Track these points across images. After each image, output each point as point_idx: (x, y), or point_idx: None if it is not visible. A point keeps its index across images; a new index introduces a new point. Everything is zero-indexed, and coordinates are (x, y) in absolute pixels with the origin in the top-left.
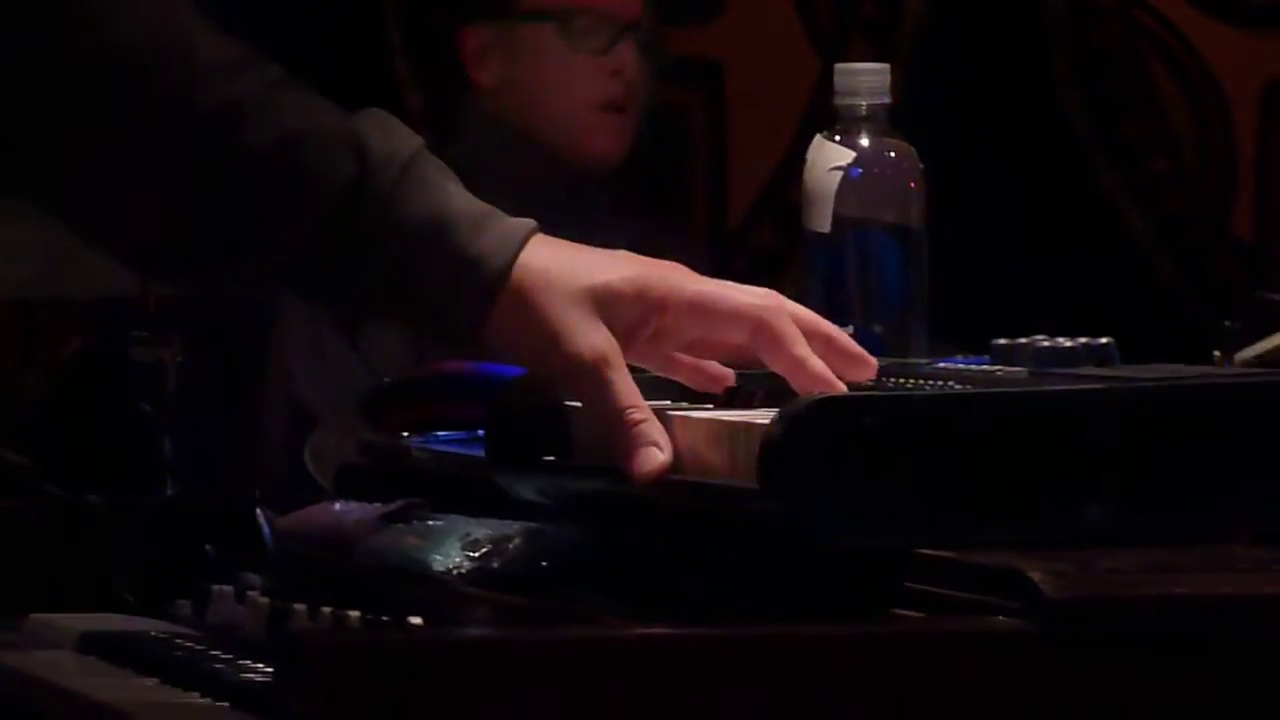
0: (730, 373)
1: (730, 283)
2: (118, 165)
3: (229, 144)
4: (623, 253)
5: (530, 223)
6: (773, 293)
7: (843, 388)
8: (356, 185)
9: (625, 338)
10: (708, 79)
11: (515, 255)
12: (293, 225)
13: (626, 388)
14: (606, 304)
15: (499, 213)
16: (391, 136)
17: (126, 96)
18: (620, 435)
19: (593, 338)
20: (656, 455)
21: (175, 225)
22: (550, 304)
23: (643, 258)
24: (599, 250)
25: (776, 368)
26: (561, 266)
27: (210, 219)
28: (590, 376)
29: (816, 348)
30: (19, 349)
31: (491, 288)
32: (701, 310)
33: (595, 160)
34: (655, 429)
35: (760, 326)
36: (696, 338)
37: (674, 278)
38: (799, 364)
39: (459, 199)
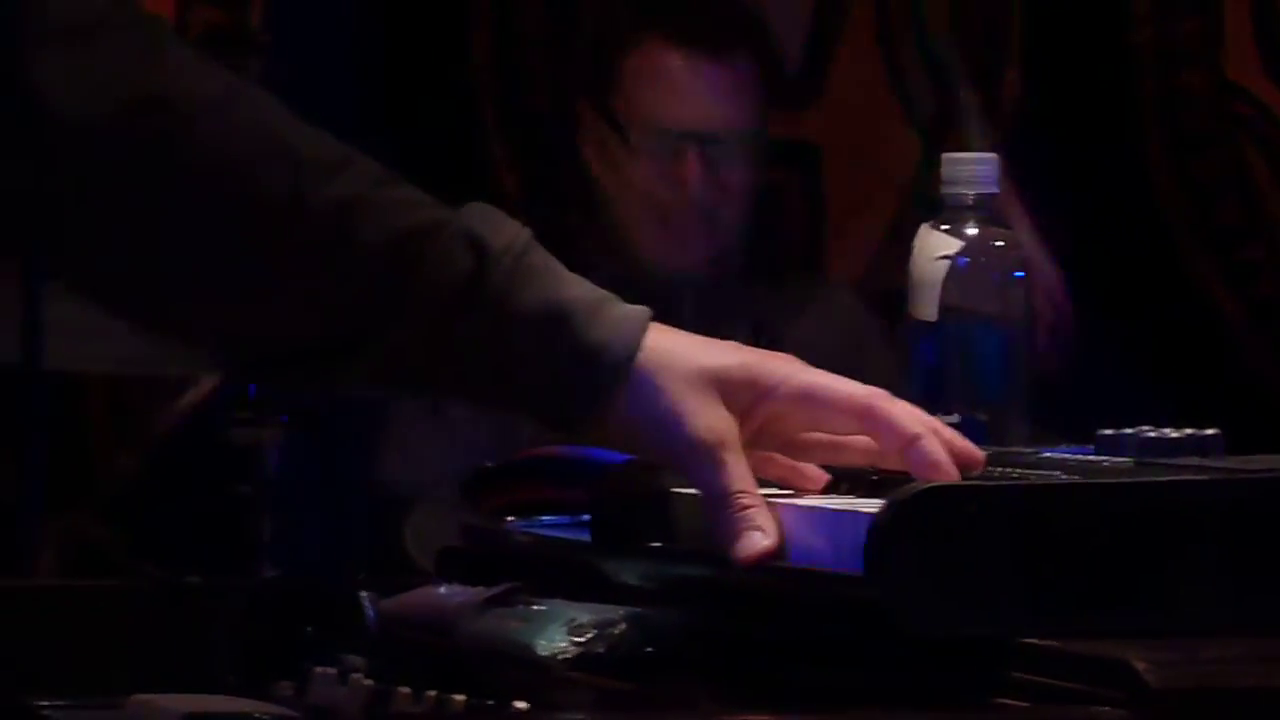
0: (825, 475)
1: (838, 376)
2: (226, 273)
3: (341, 244)
4: (732, 342)
5: (646, 310)
6: (879, 389)
7: (955, 472)
8: (474, 279)
9: (740, 422)
10: (805, 161)
11: (637, 341)
12: (403, 320)
13: (741, 471)
14: (721, 386)
15: (615, 299)
16: (502, 229)
17: (233, 202)
18: (727, 518)
19: (710, 418)
20: (760, 540)
21: (286, 329)
22: (669, 386)
23: (752, 349)
24: (710, 339)
25: (891, 449)
26: (677, 351)
27: (321, 321)
28: (707, 458)
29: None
30: (112, 425)
31: (614, 376)
32: (812, 398)
33: (672, 267)
34: (763, 515)
35: (871, 411)
36: (802, 431)
37: (784, 367)
38: (914, 443)
39: (575, 286)
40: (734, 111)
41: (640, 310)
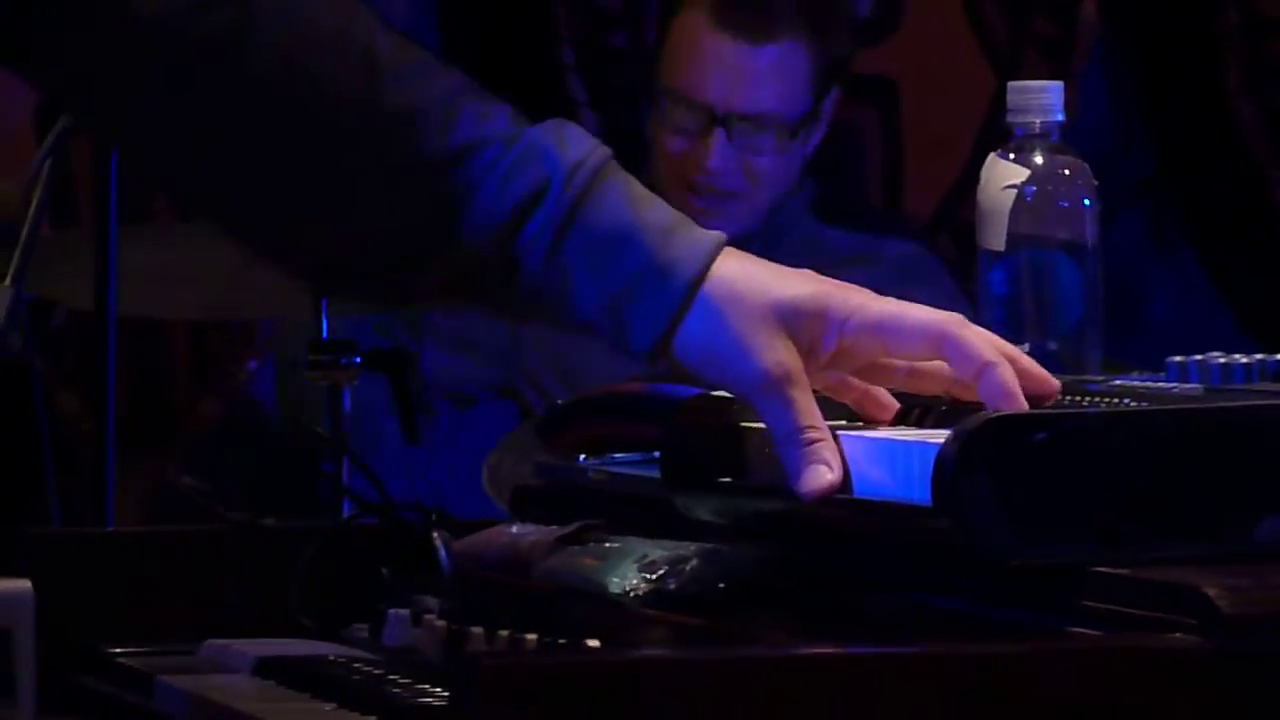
0: (895, 402)
1: (913, 304)
2: (303, 172)
3: (410, 151)
4: (807, 271)
5: (720, 235)
6: (956, 314)
7: (1023, 400)
8: (541, 192)
9: (808, 354)
10: (883, 96)
11: (705, 266)
12: (471, 233)
13: (807, 406)
14: (791, 320)
15: (689, 221)
16: (578, 144)
17: (302, 102)
18: (793, 453)
19: (779, 353)
20: (825, 474)
21: (355, 235)
22: (737, 318)
23: (824, 277)
24: (782, 267)
25: (964, 375)
26: (749, 281)
27: (391, 227)
28: (772, 393)
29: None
30: (194, 373)
31: (680, 297)
32: (884, 327)
33: None
34: (829, 449)
35: (944, 337)
36: (875, 358)
37: (857, 297)
38: (987, 369)
39: (648, 207)
40: (768, 96)
41: (714, 235)
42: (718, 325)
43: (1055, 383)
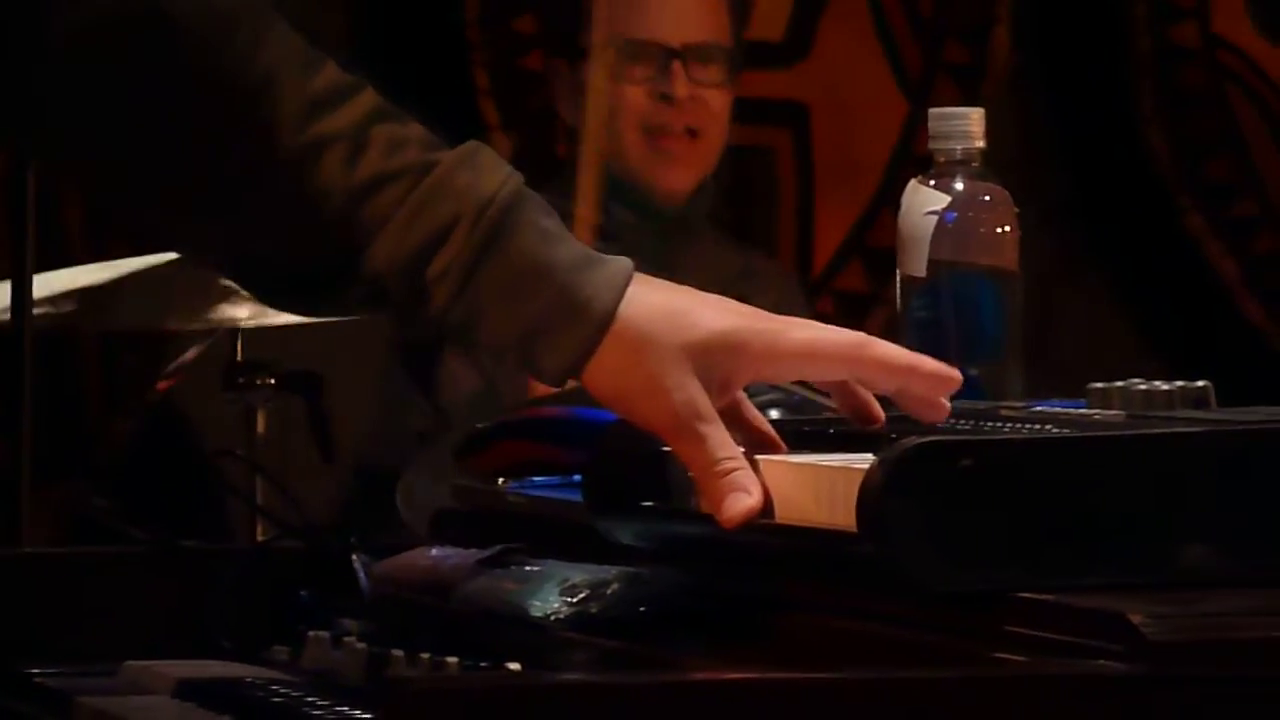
0: (780, 444)
1: (819, 324)
2: (215, 192)
3: (321, 180)
4: (717, 299)
5: (629, 263)
6: (862, 334)
7: (944, 408)
8: (449, 229)
9: (720, 389)
10: (794, 121)
11: (615, 303)
12: (385, 267)
13: (720, 439)
14: (701, 359)
15: (599, 256)
16: (490, 176)
17: (218, 126)
18: (711, 485)
19: (687, 393)
20: (744, 499)
21: (275, 252)
22: (646, 359)
23: (738, 306)
24: (696, 295)
25: (891, 385)
26: (659, 320)
27: (308, 251)
28: (684, 431)
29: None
30: (105, 393)
31: (591, 335)
32: (800, 359)
33: (664, 188)
34: (746, 476)
35: (860, 359)
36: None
37: (768, 328)
38: (914, 369)
39: (559, 243)
40: (709, 26)
41: (623, 265)
42: (628, 365)
43: (956, 375)
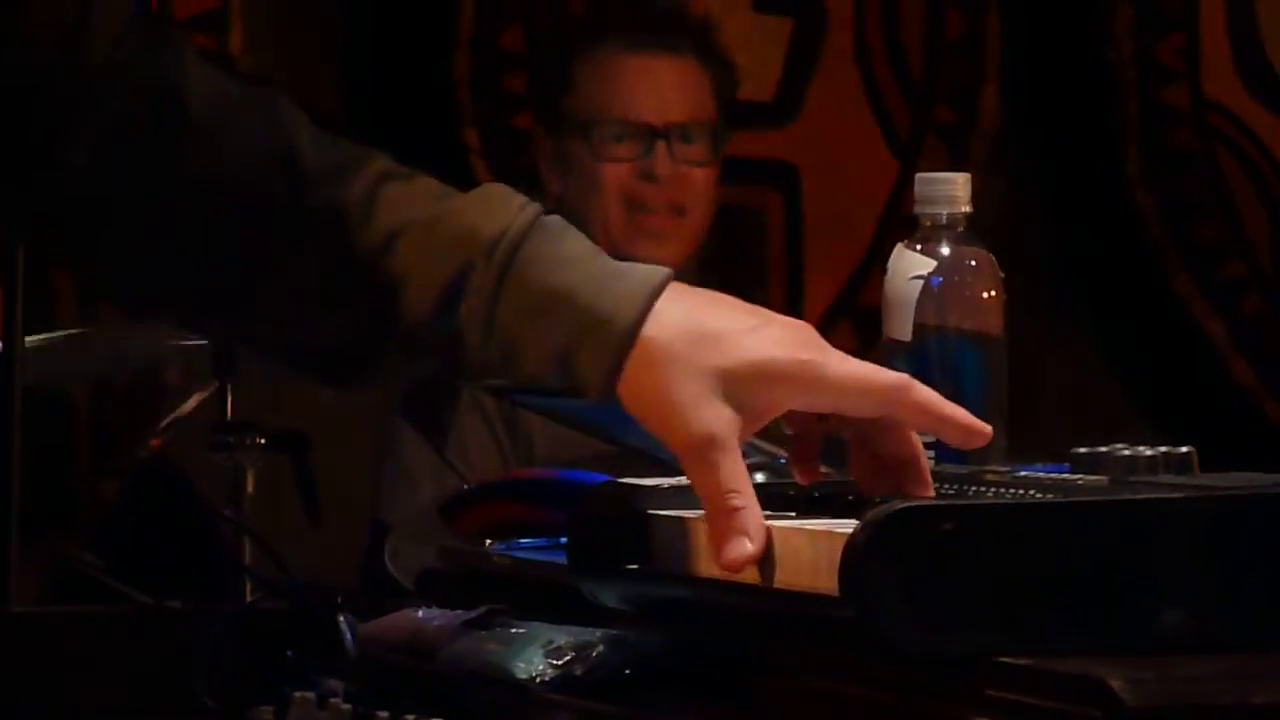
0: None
1: (858, 360)
2: (237, 278)
3: (341, 246)
4: (761, 317)
5: (661, 274)
6: (905, 375)
7: (989, 431)
8: (468, 272)
9: (755, 417)
10: (785, 181)
11: (644, 312)
12: (411, 320)
13: (732, 471)
14: (730, 385)
15: (624, 269)
16: (502, 212)
17: (236, 209)
18: (715, 519)
19: (709, 416)
20: (745, 545)
21: (307, 330)
22: (671, 379)
23: (781, 328)
24: (738, 312)
25: (924, 428)
26: (688, 339)
27: (337, 320)
28: (697, 456)
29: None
30: (96, 450)
31: (621, 345)
32: (840, 392)
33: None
34: (751, 519)
35: (900, 400)
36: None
37: (805, 365)
38: (950, 419)
39: (579, 263)
40: (692, 104)
41: (653, 278)
42: (652, 384)
43: (987, 430)
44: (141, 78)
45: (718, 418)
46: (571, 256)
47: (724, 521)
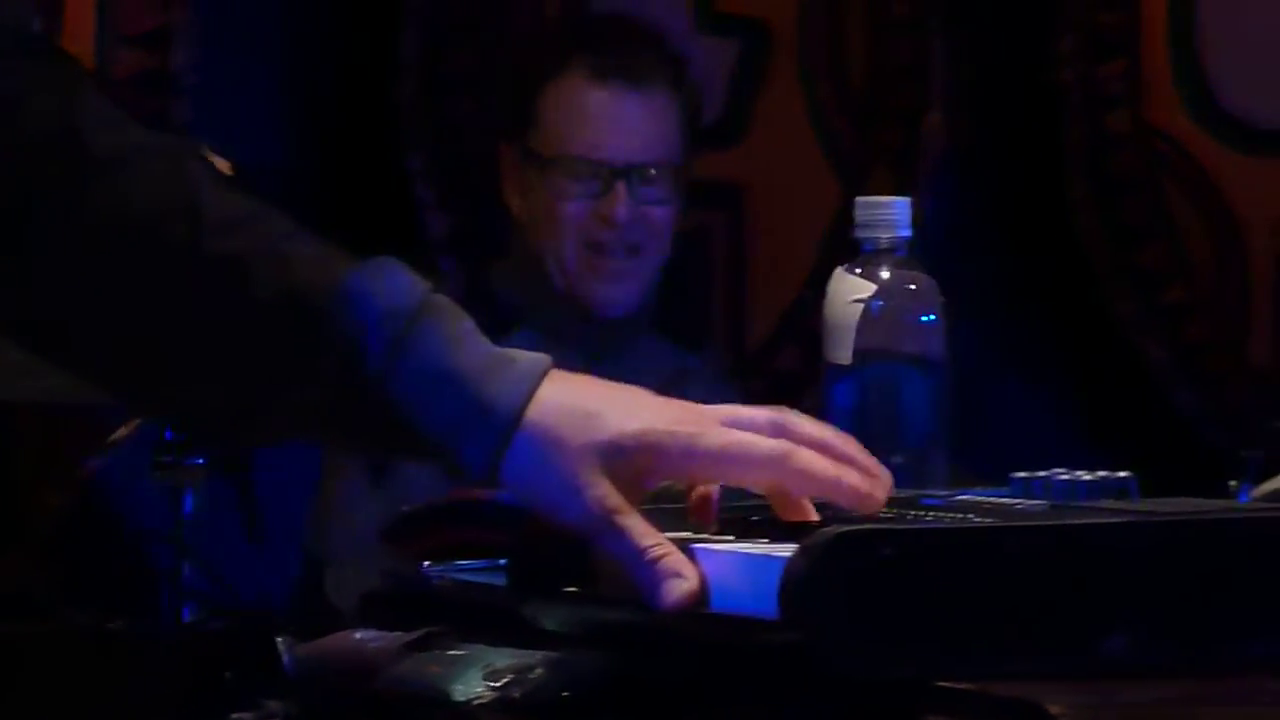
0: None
1: (741, 411)
2: (129, 327)
3: (233, 301)
4: (637, 397)
5: (542, 362)
6: (781, 412)
7: (882, 496)
8: (358, 347)
9: (633, 486)
10: (730, 202)
11: (524, 403)
12: (301, 384)
13: (641, 529)
14: (613, 459)
15: (510, 356)
16: (397, 290)
17: (132, 257)
18: (643, 572)
19: (598, 492)
20: (681, 584)
21: (192, 384)
22: (558, 459)
23: (660, 404)
24: (614, 394)
25: (812, 494)
26: (568, 419)
27: (222, 378)
28: (603, 527)
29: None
30: (37, 470)
31: (500, 436)
32: (715, 465)
33: (601, 301)
34: (677, 560)
35: (782, 469)
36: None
37: (681, 435)
38: (836, 483)
39: (468, 348)
40: (657, 144)
41: (536, 365)
42: (540, 466)
43: (878, 495)
44: (36, 114)
45: (609, 489)
46: (460, 338)
47: (650, 571)
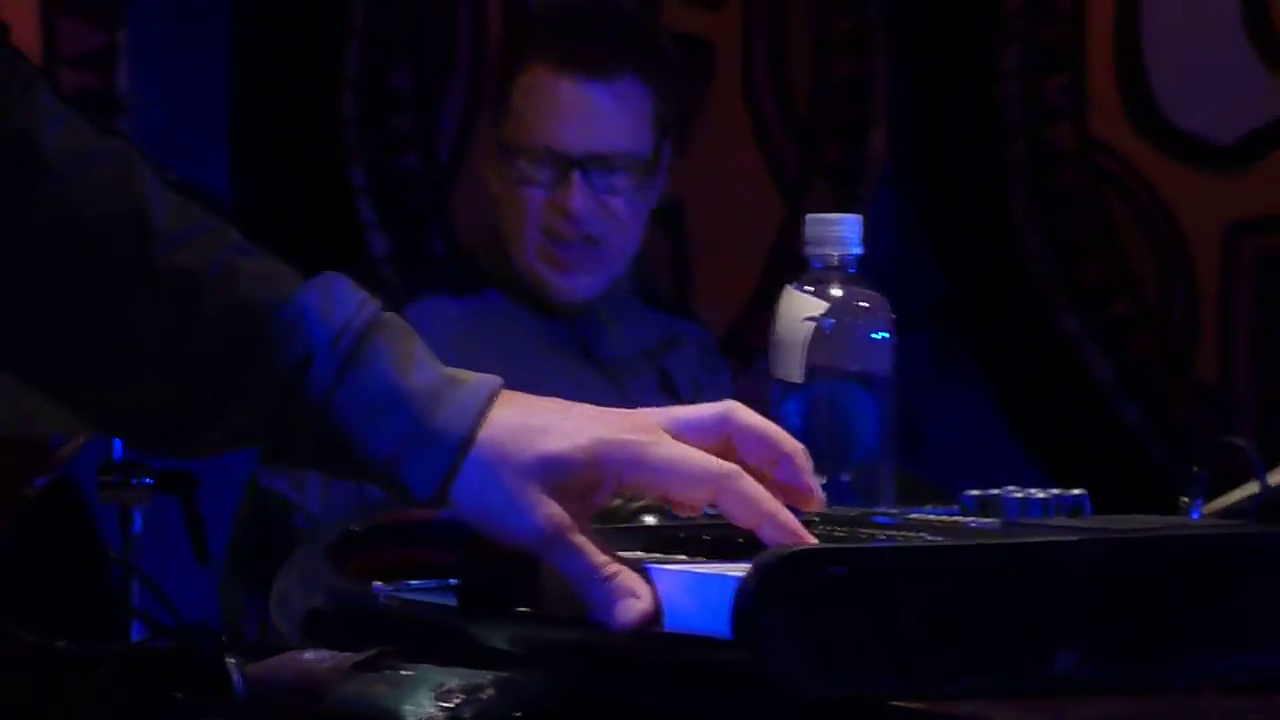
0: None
1: (689, 412)
2: (75, 332)
3: (182, 313)
4: (586, 411)
5: (492, 384)
6: (728, 405)
7: (811, 539)
8: (305, 363)
9: (582, 503)
10: (671, 219)
11: (473, 426)
12: (247, 398)
13: (590, 548)
14: (559, 475)
15: (459, 379)
16: (343, 306)
17: (81, 262)
18: (595, 592)
19: (549, 508)
20: (635, 604)
21: (135, 392)
22: (504, 477)
23: (607, 417)
24: (563, 409)
25: (745, 525)
26: (517, 437)
27: (167, 390)
28: (553, 544)
29: (774, 468)
30: None
31: (449, 460)
32: (661, 477)
33: (561, 291)
34: (631, 579)
35: (722, 489)
36: (658, 496)
37: (632, 443)
38: (771, 518)
39: (414, 369)
40: (619, 134)
41: (484, 387)
42: (487, 485)
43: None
44: None
45: (555, 511)
46: (409, 358)
47: (604, 590)
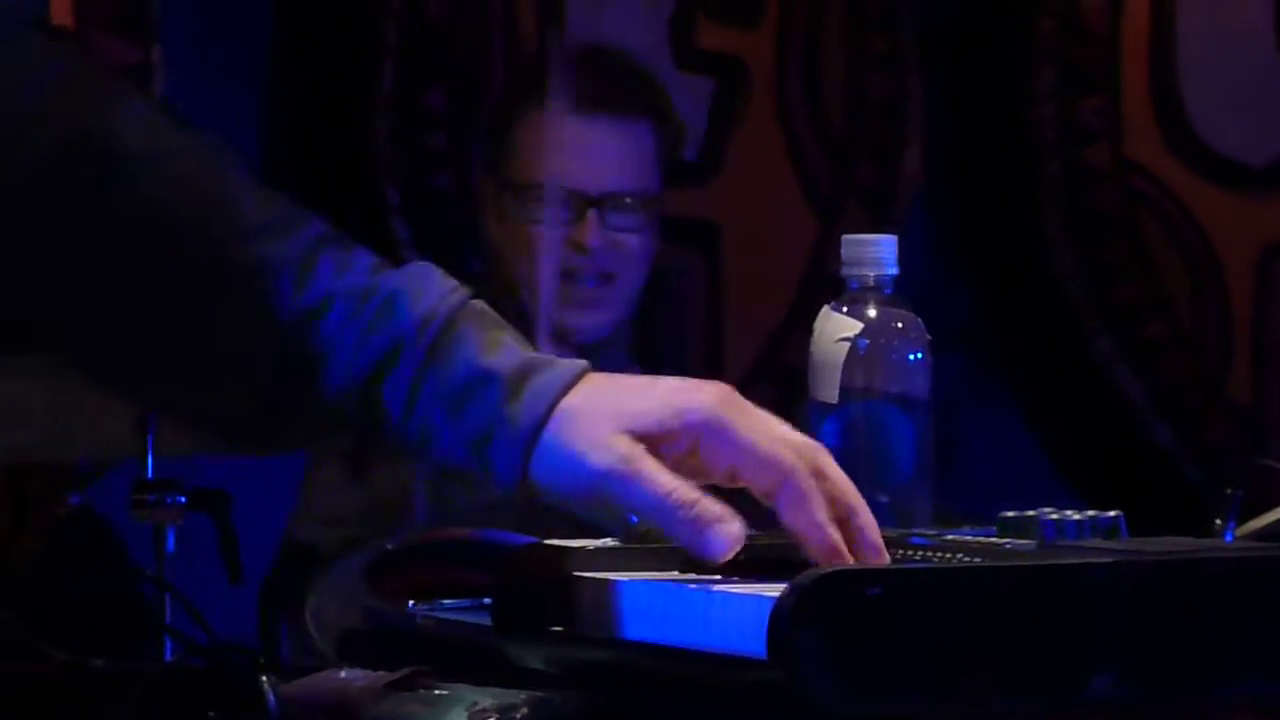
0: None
1: (775, 420)
2: (160, 328)
3: (270, 304)
4: (672, 380)
5: (577, 367)
6: (815, 445)
7: (850, 559)
8: (397, 350)
9: (653, 448)
10: (705, 240)
11: (553, 404)
12: (330, 391)
13: (663, 474)
14: (638, 420)
15: (544, 361)
16: (433, 293)
17: (165, 258)
18: (677, 522)
19: (611, 445)
20: (723, 529)
21: (222, 386)
22: (575, 431)
23: (692, 382)
24: (651, 380)
25: (793, 526)
26: (594, 402)
27: (255, 379)
28: (623, 478)
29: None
30: (14, 509)
31: (529, 437)
32: (734, 450)
33: (575, 328)
34: (711, 505)
35: (786, 483)
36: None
37: (716, 409)
38: (816, 530)
39: (500, 352)
40: (631, 173)
41: (567, 372)
42: (561, 445)
43: (885, 557)
44: (70, 115)
45: (625, 442)
46: (496, 343)
47: (688, 517)
